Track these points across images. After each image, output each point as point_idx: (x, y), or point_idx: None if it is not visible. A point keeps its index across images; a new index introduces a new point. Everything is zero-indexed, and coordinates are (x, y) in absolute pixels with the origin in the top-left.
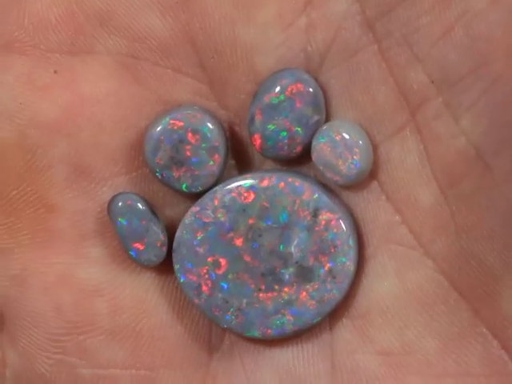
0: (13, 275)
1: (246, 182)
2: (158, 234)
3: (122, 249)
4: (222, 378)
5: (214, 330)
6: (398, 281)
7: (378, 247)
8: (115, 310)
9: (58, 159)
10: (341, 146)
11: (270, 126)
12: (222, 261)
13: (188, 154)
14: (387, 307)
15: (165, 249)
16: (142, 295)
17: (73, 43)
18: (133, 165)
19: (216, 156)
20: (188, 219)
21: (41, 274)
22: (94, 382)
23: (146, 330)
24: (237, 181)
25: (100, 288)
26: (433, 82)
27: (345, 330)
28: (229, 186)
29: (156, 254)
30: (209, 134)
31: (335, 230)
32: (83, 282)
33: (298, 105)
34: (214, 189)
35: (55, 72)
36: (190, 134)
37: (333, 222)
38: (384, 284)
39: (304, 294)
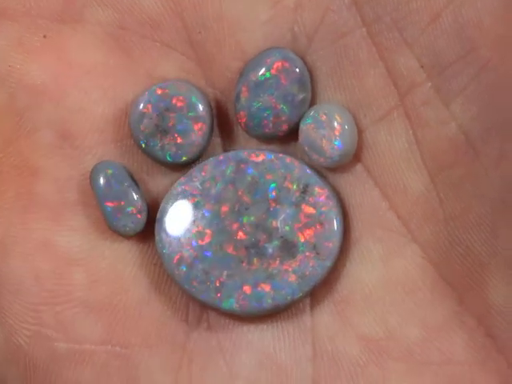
0: None
1: (237, 155)
2: (137, 201)
3: (104, 220)
4: (198, 360)
5: (192, 310)
6: (382, 266)
7: (364, 231)
8: (92, 282)
9: (45, 123)
10: (325, 127)
11: (256, 104)
12: (207, 231)
13: (173, 122)
14: (370, 292)
15: (143, 217)
16: (120, 269)
17: (63, 11)
18: (118, 135)
19: (201, 125)
20: (174, 190)
21: (21, 239)
22: (70, 356)
23: (122, 305)
24: (228, 154)
25: (79, 257)
26: (422, 67)
27: (326, 314)
28: (218, 158)
29: (133, 221)
30: (195, 102)
31: (323, 208)
32: (62, 250)
33: (283, 82)
34: (204, 162)
35: (45, 37)
36: (175, 102)
37: (321, 198)
38: (368, 269)
39: (286, 268)
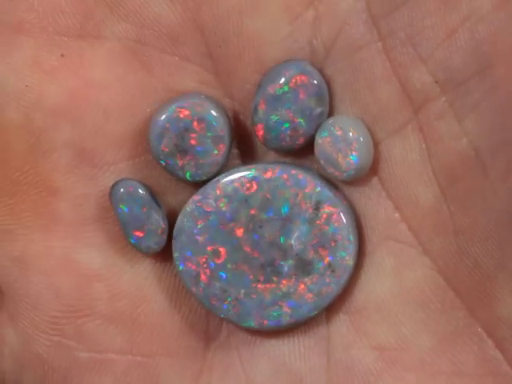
0: (14, 256)
1: (249, 172)
2: (159, 222)
3: (123, 235)
4: (218, 369)
5: (212, 321)
6: (395, 278)
7: (377, 243)
8: (113, 296)
9: (62, 143)
10: (341, 141)
11: (273, 117)
12: (222, 250)
13: (193, 142)
14: (384, 303)
15: (165, 236)
16: (140, 282)
17: (81, 27)
18: (136, 151)
19: (221, 145)
20: (189, 207)
21: (41, 256)
22: (90, 365)
23: (143, 317)
24: (240, 171)
25: (99, 273)
26: (437, 82)
27: (341, 325)
28: (232, 176)
29: (156, 242)
30: (214, 123)
31: (336, 224)
32: (83, 267)
33: (301, 96)
34: (217, 178)
35: (62, 56)
36: (195, 123)
37: (334, 216)
38: (382, 280)
39: (302, 286)
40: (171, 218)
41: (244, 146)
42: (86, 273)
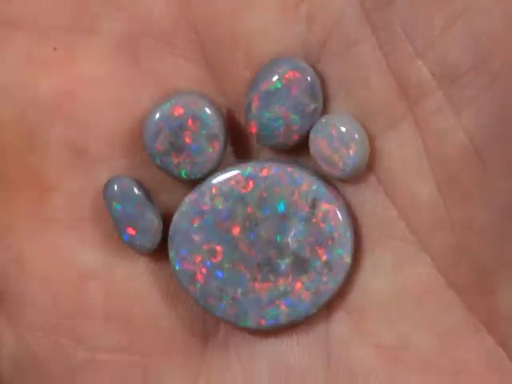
0: (10, 256)
1: (245, 170)
2: (153, 220)
3: (118, 233)
4: (216, 368)
5: (209, 319)
6: (394, 275)
7: (375, 241)
8: (109, 295)
9: (56, 139)
10: (337, 140)
11: (267, 114)
12: (218, 249)
13: (188, 140)
14: (383, 301)
15: (159, 235)
16: (136, 281)
17: (74, 22)
18: (130, 148)
19: (215, 143)
20: (185, 206)
21: (37, 255)
22: (88, 364)
23: (139, 316)
24: (236, 169)
25: (94, 272)
26: (433, 77)
27: (341, 323)
28: (227, 174)
29: (150, 240)
30: (209, 121)
31: (333, 222)
32: (78, 265)
33: (294, 92)
34: (213, 176)
35: (55, 49)
36: (190, 121)
37: (331, 214)
38: (381, 278)
39: (299, 285)
40: (167, 217)
41: (239, 143)
42: (82, 271)
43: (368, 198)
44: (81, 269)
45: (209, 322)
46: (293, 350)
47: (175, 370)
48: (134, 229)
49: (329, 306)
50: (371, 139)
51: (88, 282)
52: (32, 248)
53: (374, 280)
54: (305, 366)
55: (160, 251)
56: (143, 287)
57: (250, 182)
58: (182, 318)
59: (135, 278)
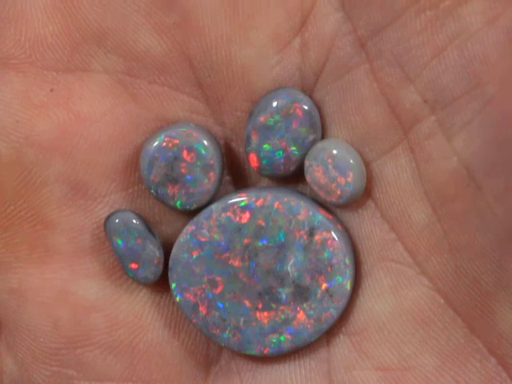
0: (11, 289)
1: (242, 200)
2: (155, 252)
3: (119, 265)
4: None
5: (212, 346)
6: (393, 298)
7: (374, 264)
8: (112, 325)
9: (54, 177)
10: (333, 168)
11: (266, 146)
12: (219, 280)
13: (183, 171)
14: (384, 323)
15: (161, 266)
16: (138, 311)
17: (69, 61)
18: (129, 181)
19: (211, 174)
20: (183, 238)
21: (38, 289)
22: None
23: (142, 345)
24: (232, 199)
25: (96, 303)
26: (426, 102)
27: (342, 346)
28: (224, 205)
29: (152, 272)
30: (204, 152)
31: (331, 249)
32: (80, 298)
33: (293, 125)
34: (209, 207)
35: (51, 90)
36: (185, 152)
37: (329, 242)
38: (381, 301)
39: (301, 312)
40: (167, 247)
41: (236, 172)
42: (84, 304)
43: (365, 222)
44: (83, 300)
45: (211, 349)
46: (295, 373)
47: None
48: (136, 263)
49: (330, 330)
50: (367, 164)
51: (90, 313)
52: (33, 280)
53: (374, 303)
54: None
55: (162, 281)
56: (146, 317)
57: (247, 213)
58: (184, 346)
59: (138, 308)
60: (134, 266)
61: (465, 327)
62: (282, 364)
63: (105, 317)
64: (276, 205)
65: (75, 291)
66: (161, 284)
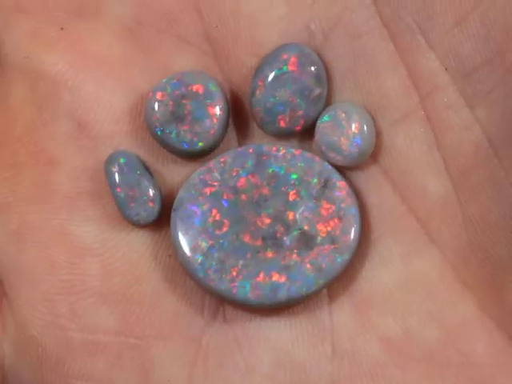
0: (11, 231)
1: (258, 148)
2: (150, 190)
3: (118, 210)
4: (214, 355)
5: (208, 303)
6: (402, 266)
7: (383, 231)
8: (107, 272)
9: (63, 112)
10: (344, 124)
11: (272, 99)
12: (225, 221)
13: (189, 109)
14: (390, 293)
15: (157, 206)
16: (135, 260)
17: (81, 5)
18: (133, 126)
19: (218, 112)
20: (193, 179)
21: (36, 229)
22: (83, 346)
23: (137, 297)
24: (247, 147)
25: (93, 247)
26: (446, 69)
27: (346, 314)
28: (238, 151)
29: (146, 210)
30: (212, 89)
31: (342, 204)
32: (77, 240)
33: (300, 77)
34: (222, 154)
35: (62, 29)
36: (192, 90)
37: (341, 194)
38: (388, 269)
39: (303, 260)
40: (169, 196)
41: (241, 130)
42: (80, 246)
43: (375, 190)
44: (80, 242)
45: (207, 306)
46: (296, 338)
47: (172, 353)
48: (132, 201)
49: (333, 296)
50: (378, 132)
51: (86, 257)
52: (32, 220)
53: (381, 271)
54: (308, 356)
55: (161, 228)
56: (142, 267)
57: (263, 159)
58: (180, 301)
59: (135, 257)
60: (130, 203)
61: (473, 300)
62: (282, 329)
63: (100, 262)
64: (292, 154)
65: (73, 233)
66: (159, 234)
